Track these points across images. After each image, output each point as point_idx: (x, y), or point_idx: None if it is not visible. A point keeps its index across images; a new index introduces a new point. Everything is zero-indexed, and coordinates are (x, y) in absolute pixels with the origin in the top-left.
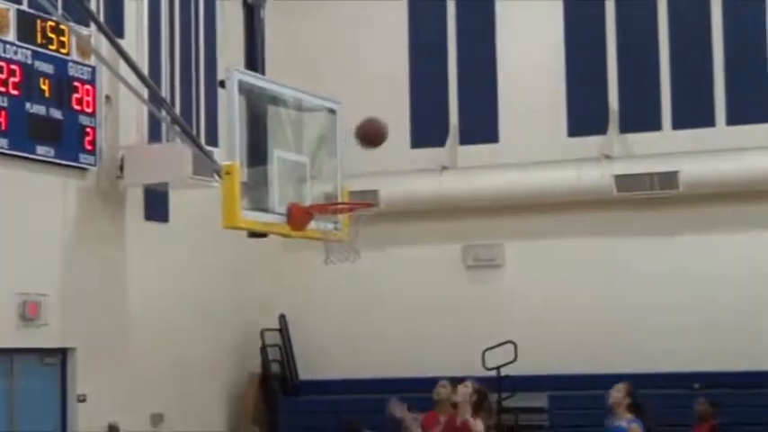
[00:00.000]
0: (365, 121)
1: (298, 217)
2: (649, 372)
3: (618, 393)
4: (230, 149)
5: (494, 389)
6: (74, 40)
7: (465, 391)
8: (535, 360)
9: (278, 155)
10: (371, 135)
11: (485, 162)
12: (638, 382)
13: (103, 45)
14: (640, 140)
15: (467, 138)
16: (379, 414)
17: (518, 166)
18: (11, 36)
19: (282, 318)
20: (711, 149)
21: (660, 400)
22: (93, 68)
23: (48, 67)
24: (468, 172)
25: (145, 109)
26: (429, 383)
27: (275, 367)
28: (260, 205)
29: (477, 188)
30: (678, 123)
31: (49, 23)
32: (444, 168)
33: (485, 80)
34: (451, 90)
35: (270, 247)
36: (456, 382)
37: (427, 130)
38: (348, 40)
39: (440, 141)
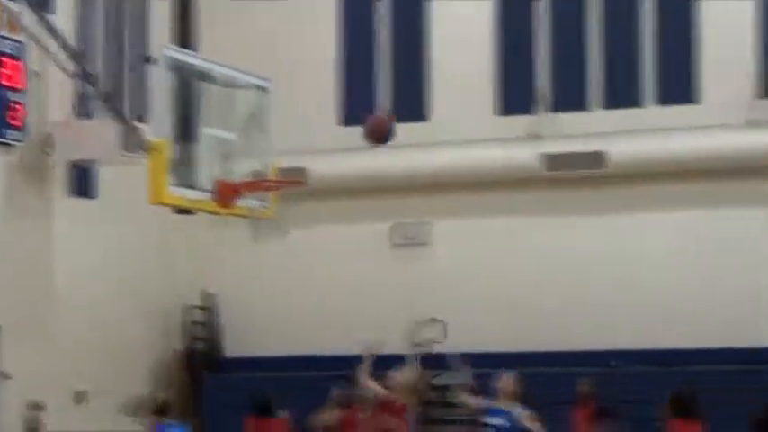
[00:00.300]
0: (372, 119)
1: (225, 194)
2: (575, 350)
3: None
4: (159, 126)
5: (421, 367)
6: (3, 15)
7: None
8: (463, 338)
9: (206, 132)
10: (378, 131)
11: (414, 140)
12: (563, 360)
13: (32, 20)
14: (569, 120)
15: (397, 116)
16: (303, 392)
17: (447, 145)
18: None
19: (208, 295)
20: (639, 129)
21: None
22: (22, 44)
23: None
24: (396, 150)
25: (74, 85)
26: (356, 361)
27: (201, 345)
28: (187, 182)
29: (406, 166)
30: (607, 103)
31: None
32: (373, 146)
33: (415, 59)
34: (382, 69)
35: (197, 225)
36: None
37: (356, 109)
38: (278, 19)
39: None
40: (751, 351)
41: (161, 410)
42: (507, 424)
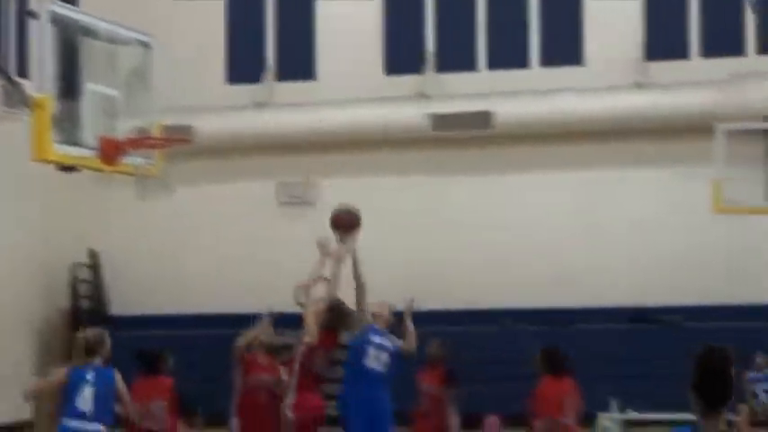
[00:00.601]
0: (339, 212)
1: (110, 151)
2: (458, 309)
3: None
4: (41, 82)
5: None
6: None
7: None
8: (348, 297)
9: (90, 88)
10: (346, 223)
11: (301, 99)
12: (448, 319)
13: None
14: (456, 80)
15: (284, 74)
16: (190, 350)
17: (334, 104)
18: None
19: (94, 253)
20: (526, 90)
21: (469, 338)
22: None
23: None
24: (284, 109)
25: None
26: (242, 320)
27: (86, 303)
28: (71, 139)
29: (293, 125)
30: (493, 64)
31: None
32: (260, 105)
33: (302, 17)
34: (269, 27)
35: (82, 182)
36: (272, 318)
37: (243, 66)
38: None
39: (256, 78)
40: (636, 310)
41: (88, 350)
42: (388, 344)
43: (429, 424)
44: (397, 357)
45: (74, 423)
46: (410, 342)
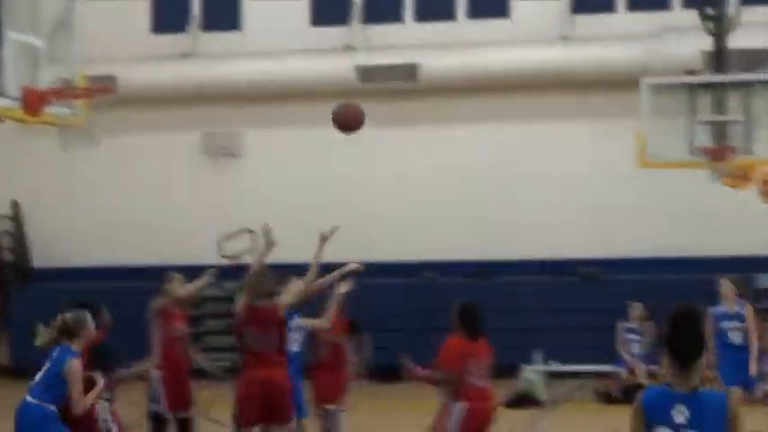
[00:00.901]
0: (342, 109)
1: (32, 102)
2: (381, 261)
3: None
4: None
5: (231, 277)
6: None
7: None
8: (275, 249)
9: (13, 37)
10: (348, 121)
11: (227, 50)
12: (371, 272)
13: None
14: (382, 32)
15: (209, 25)
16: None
17: (260, 55)
18: None
19: (16, 205)
20: (453, 43)
21: (392, 290)
22: None
23: None
24: (209, 59)
25: None
26: (162, 271)
27: (8, 255)
28: None
29: (219, 76)
30: (420, 16)
31: None
32: (186, 55)
33: None
34: None
35: (5, 133)
36: (190, 270)
37: (168, 16)
38: None
39: (181, 28)
40: (557, 263)
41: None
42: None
43: (330, 373)
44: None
45: (28, 398)
46: (309, 279)
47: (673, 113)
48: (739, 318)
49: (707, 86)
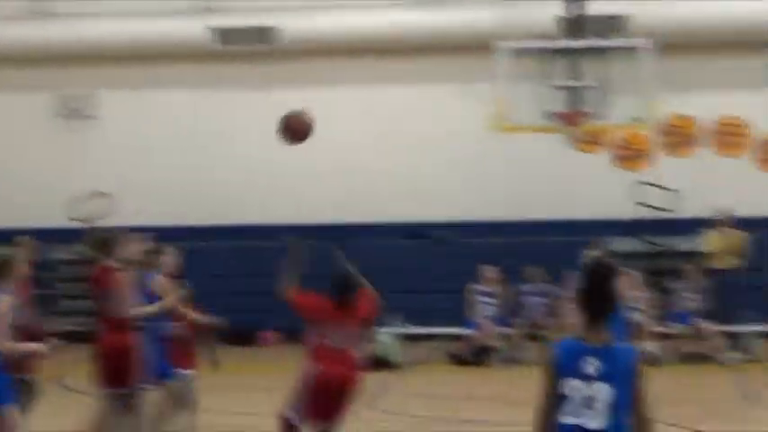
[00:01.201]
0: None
1: None
2: (241, 224)
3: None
4: None
5: (86, 241)
6: None
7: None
8: (126, 211)
9: None
10: (297, 130)
11: (80, 10)
12: (230, 234)
13: None
14: None
15: None
16: None
17: (114, 16)
18: None
19: None
20: (310, 6)
21: (256, 253)
22: None
23: None
24: (62, 19)
25: None
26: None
27: None
28: None
29: (73, 36)
30: None
31: None
32: (38, 15)
33: None
34: None
35: None
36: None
37: None
38: None
39: None
40: (414, 226)
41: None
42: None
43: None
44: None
45: None
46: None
47: (528, 79)
48: None
49: (562, 52)
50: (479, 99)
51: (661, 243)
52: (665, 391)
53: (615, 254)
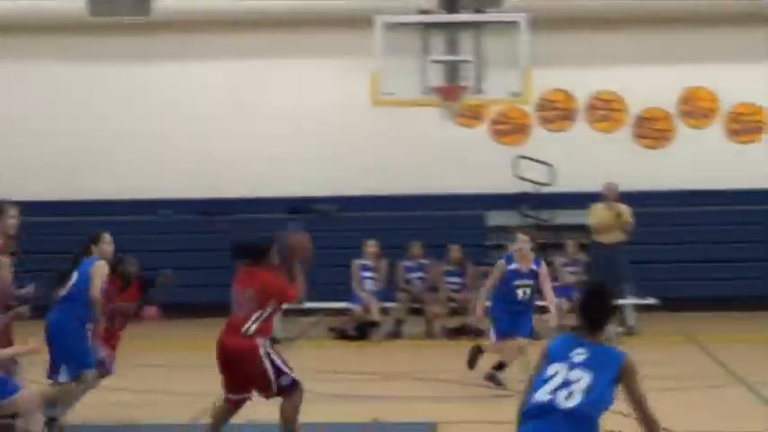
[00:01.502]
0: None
1: None
2: (116, 199)
3: None
4: None
5: None
6: None
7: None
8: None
9: None
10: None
11: None
12: (107, 209)
13: None
14: None
15: None
16: None
17: None
18: None
19: None
20: None
21: (128, 227)
22: None
23: None
24: None
25: None
26: None
27: None
28: None
29: None
30: None
31: None
32: None
33: None
34: None
35: None
36: None
37: None
38: None
39: None
40: (295, 200)
41: None
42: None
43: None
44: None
45: None
46: None
47: (407, 52)
48: (531, 276)
49: (440, 26)
50: (358, 73)
51: (541, 217)
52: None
53: (496, 228)
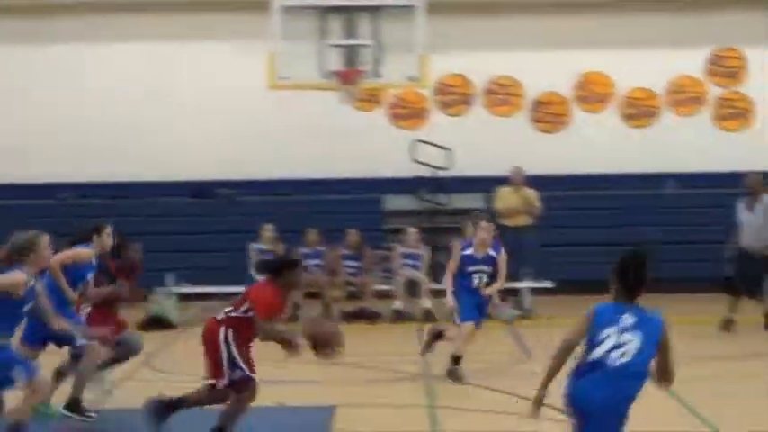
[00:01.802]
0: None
1: None
2: (19, 183)
3: None
4: None
5: None
6: None
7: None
8: None
9: None
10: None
11: None
12: (9, 193)
13: None
14: None
15: None
16: None
17: None
18: None
19: None
20: None
21: (26, 211)
22: None
23: None
24: None
25: None
26: None
27: None
28: None
29: None
30: None
31: None
32: None
33: None
34: None
35: None
36: None
37: None
38: None
39: None
40: (196, 184)
41: None
42: None
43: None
44: None
45: None
46: None
47: (305, 36)
48: (488, 262)
49: (338, 10)
50: (257, 57)
51: (438, 201)
52: (446, 346)
53: (393, 212)
